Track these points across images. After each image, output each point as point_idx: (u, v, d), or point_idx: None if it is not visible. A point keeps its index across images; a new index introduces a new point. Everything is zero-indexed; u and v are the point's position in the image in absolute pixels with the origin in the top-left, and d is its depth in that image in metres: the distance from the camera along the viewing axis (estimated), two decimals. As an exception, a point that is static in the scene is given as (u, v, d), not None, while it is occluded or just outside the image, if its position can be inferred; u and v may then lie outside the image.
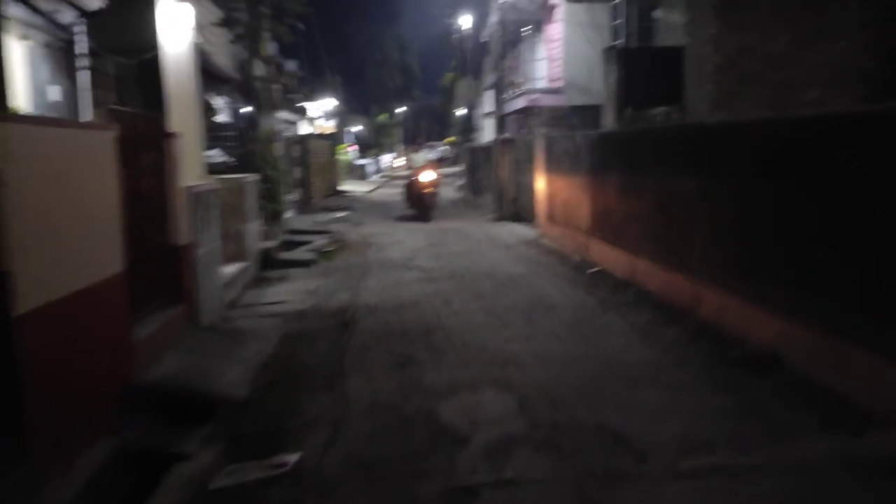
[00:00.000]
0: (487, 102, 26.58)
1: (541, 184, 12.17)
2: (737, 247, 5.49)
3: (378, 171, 36.12)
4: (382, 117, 55.47)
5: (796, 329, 4.64)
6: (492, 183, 17.54)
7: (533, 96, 16.91)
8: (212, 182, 7.70)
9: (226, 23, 12.60)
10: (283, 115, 18.66)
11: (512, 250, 11.44)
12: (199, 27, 13.20)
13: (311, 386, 5.10)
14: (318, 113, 30.02)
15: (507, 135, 15.74)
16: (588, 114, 15.20)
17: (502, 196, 15.82)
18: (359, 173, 33.74)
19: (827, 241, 4.39)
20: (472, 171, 22.09)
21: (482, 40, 25.62)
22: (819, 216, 4.47)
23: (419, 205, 16.47)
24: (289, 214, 18.41)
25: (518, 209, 15.52)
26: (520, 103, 17.18)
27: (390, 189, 31.75)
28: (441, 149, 65.60)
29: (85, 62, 8.74)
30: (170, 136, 6.26)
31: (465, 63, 26.13)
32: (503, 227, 14.72)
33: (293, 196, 19.50)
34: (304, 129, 30.17)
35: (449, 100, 54.03)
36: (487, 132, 27.40)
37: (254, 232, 10.16)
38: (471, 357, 5.63)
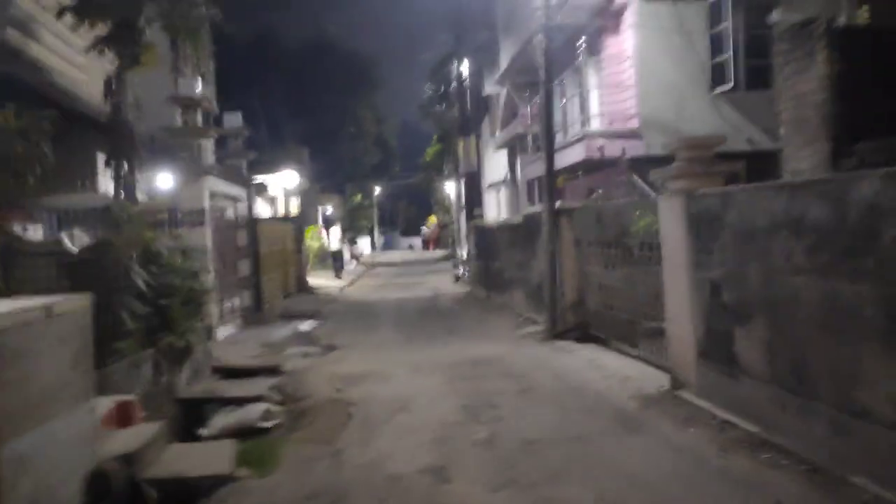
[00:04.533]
0: (494, 168, 21.12)
1: (679, 283, 6.37)
2: None
3: (353, 258, 30.27)
4: (357, 198, 50.09)
5: None
6: (530, 277, 11.72)
7: (597, 143, 11.28)
8: None
9: (78, 11, 6.88)
10: (222, 186, 12.88)
11: (646, 433, 5.47)
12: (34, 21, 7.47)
13: None
14: (280, 189, 24.37)
15: (564, 203, 10.02)
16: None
17: (555, 298, 9.97)
18: (332, 263, 27.84)
19: None
20: (483, 259, 16.29)
21: (484, 94, 20.46)
22: None
23: None
24: (227, 331, 12.38)
25: (586, 320, 9.66)
26: (573, 155, 11.59)
27: (370, 280, 25.79)
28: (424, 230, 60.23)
29: None
30: None
31: (463, 121, 20.77)
32: (571, 356, 8.76)
33: (235, 302, 13.52)
34: (261, 208, 24.39)
35: (431, 177, 48.93)
36: (491, 206, 21.86)
37: (63, 444, 4.10)
38: None
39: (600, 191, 9.35)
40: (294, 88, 30.74)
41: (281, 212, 23.54)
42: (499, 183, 20.59)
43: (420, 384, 7.69)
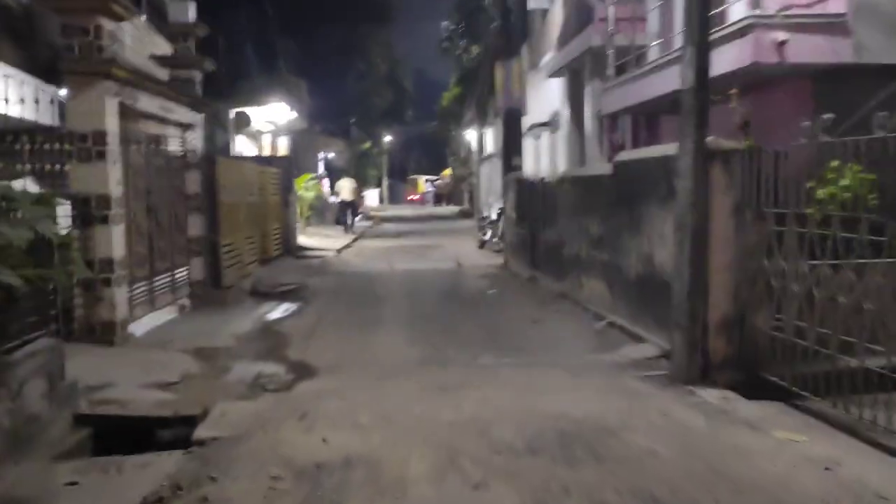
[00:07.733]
0: (535, 107, 16.50)
1: None
2: None
3: (358, 213, 25.94)
4: (366, 145, 45.48)
5: None
6: (623, 261, 7.37)
7: (771, 36, 6.68)
8: None
9: None
10: (153, 103, 8.52)
11: None
12: None
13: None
14: (268, 126, 19.93)
15: (720, 141, 5.56)
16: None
17: (695, 309, 5.58)
18: (331, 218, 23.53)
19: None
20: (528, 224, 11.92)
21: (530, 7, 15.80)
22: None
23: None
24: (156, 320, 8.20)
25: (749, 352, 5.38)
26: (725, 61, 6.98)
27: (375, 240, 21.44)
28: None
29: None
30: None
31: (506, 37, 16.01)
32: (765, 443, 4.41)
33: (177, 276, 9.29)
34: (245, 148, 20.01)
35: (447, 125, 44.17)
36: (529, 155, 17.35)
37: None
38: None
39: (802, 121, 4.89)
40: (293, 8, 25.89)
41: (262, 151, 19.19)
42: (543, 124, 16.10)
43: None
